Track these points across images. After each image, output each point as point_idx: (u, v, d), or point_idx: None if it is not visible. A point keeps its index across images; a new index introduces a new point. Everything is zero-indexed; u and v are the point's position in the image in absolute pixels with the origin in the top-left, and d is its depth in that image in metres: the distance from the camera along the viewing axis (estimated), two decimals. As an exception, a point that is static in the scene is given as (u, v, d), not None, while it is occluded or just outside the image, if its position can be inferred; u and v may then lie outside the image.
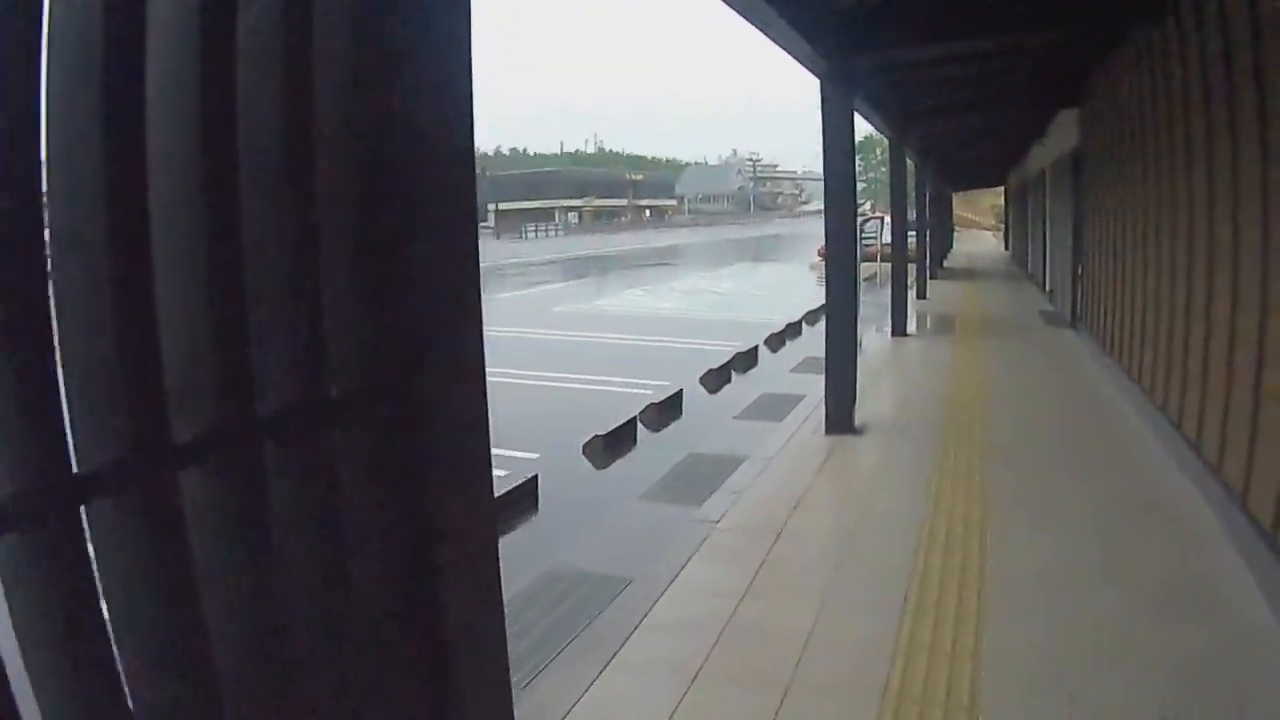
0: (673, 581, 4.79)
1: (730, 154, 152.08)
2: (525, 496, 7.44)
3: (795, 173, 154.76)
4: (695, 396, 11.70)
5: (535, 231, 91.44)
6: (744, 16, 6.15)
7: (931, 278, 23.83)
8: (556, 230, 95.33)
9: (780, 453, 7.65)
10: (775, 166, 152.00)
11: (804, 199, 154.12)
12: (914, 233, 20.49)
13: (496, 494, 1.92)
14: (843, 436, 8.01)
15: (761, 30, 6.61)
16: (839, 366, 8.36)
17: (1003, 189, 35.72)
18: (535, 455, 8.83)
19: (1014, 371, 11.22)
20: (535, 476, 7.59)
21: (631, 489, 7.42)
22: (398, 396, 1.58)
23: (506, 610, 1.88)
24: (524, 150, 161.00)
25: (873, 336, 14.76)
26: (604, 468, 8.82)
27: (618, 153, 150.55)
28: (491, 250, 61.86)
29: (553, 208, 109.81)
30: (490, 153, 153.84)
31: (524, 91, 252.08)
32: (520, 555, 5.71)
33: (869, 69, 9.39)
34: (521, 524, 7.08)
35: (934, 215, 27.00)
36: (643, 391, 11.54)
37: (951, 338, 14.31)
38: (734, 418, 10.10)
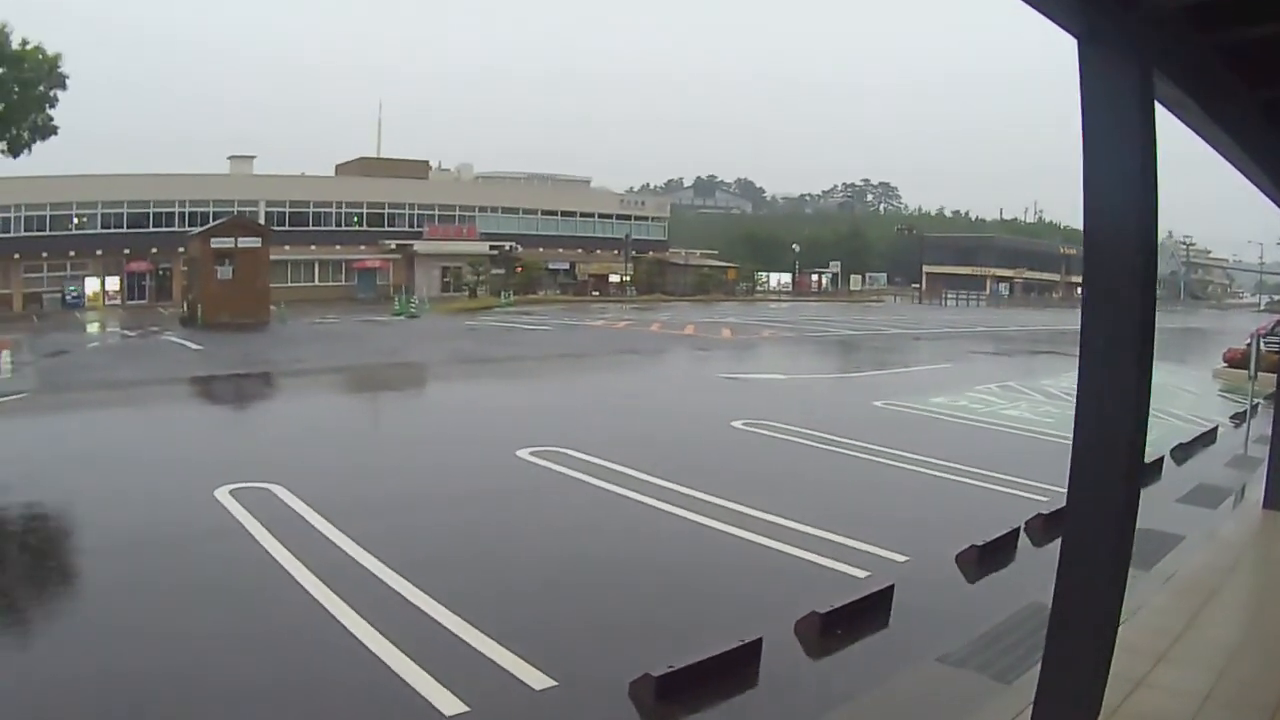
0: None
1: (1166, 235, 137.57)
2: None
3: (1226, 261, 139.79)
4: (934, 585, 7.80)
5: (955, 299, 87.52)
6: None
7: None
8: (978, 300, 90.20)
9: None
10: (1208, 252, 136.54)
11: (1233, 289, 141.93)
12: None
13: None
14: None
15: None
16: None
17: None
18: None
19: None
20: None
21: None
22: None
23: None
24: (965, 213, 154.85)
25: (1242, 502, 10.78)
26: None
27: (1056, 224, 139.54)
28: (886, 315, 57.45)
29: (983, 275, 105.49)
30: (932, 213, 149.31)
31: (970, 158, 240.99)
32: None
33: (1182, 24, 4.69)
34: None
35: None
36: (851, 573, 7.97)
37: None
38: (938, 659, 6.13)
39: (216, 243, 39.95)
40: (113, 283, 60.14)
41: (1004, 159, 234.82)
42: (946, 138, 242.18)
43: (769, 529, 9.18)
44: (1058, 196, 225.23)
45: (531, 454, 12.50)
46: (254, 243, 40.86)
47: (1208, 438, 16.19)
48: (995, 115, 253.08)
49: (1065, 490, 10.47)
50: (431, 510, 10.17)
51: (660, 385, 23.05)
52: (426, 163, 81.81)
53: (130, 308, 56.23)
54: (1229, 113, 6.20)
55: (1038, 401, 19.38)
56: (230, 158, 70.39)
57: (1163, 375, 26.95)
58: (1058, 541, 9.44)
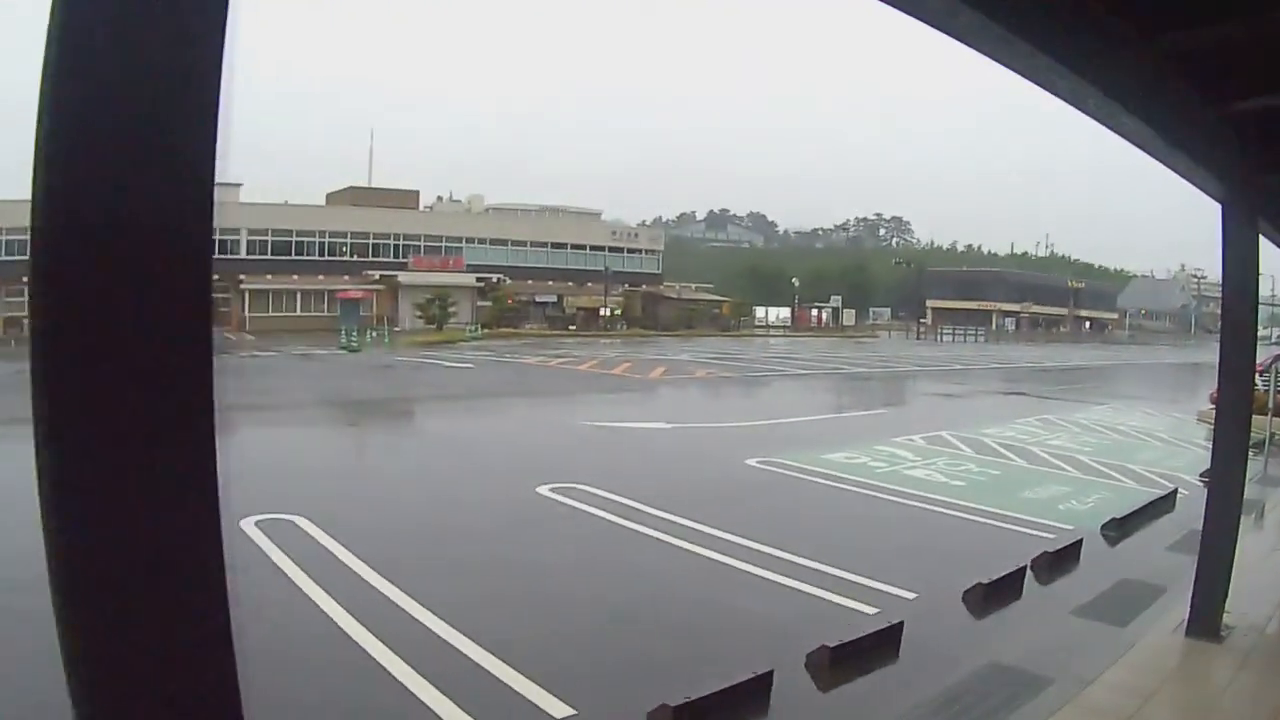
0: None
1: (1179, 269, 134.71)
2: None
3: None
4: None
5: (952, 334, 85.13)
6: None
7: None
8: (979, 335, 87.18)
9: None
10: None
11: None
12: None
13: None
14: None
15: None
16: None
17: None
18: None
19: None
20: None
21: None
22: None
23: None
24: (977, 248, 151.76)
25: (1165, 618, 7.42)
26: None
27: (1066, 257, 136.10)
28: (865, 352, 53.41)
29: (989, 310, 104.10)
30: (945, 247, 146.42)
31: (987, 193, 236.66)
32: None
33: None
34: None
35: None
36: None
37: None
38: None
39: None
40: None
41: (1020, 195, 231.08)
42: (963, 173, 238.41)
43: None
44: (1070, 231, 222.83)
45: (256, 523, 9.85)
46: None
47: (1162, 505, 12.91)
48: (1015, 152, 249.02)
49: (913, 594, 7.12)
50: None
51: (510, 435, 18.93)
52: (416, 193, 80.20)
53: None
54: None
55: (961, 457, 16.18)
56: (218, 185, 68.75)
57: (1144, 423, 23.68)
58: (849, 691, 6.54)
